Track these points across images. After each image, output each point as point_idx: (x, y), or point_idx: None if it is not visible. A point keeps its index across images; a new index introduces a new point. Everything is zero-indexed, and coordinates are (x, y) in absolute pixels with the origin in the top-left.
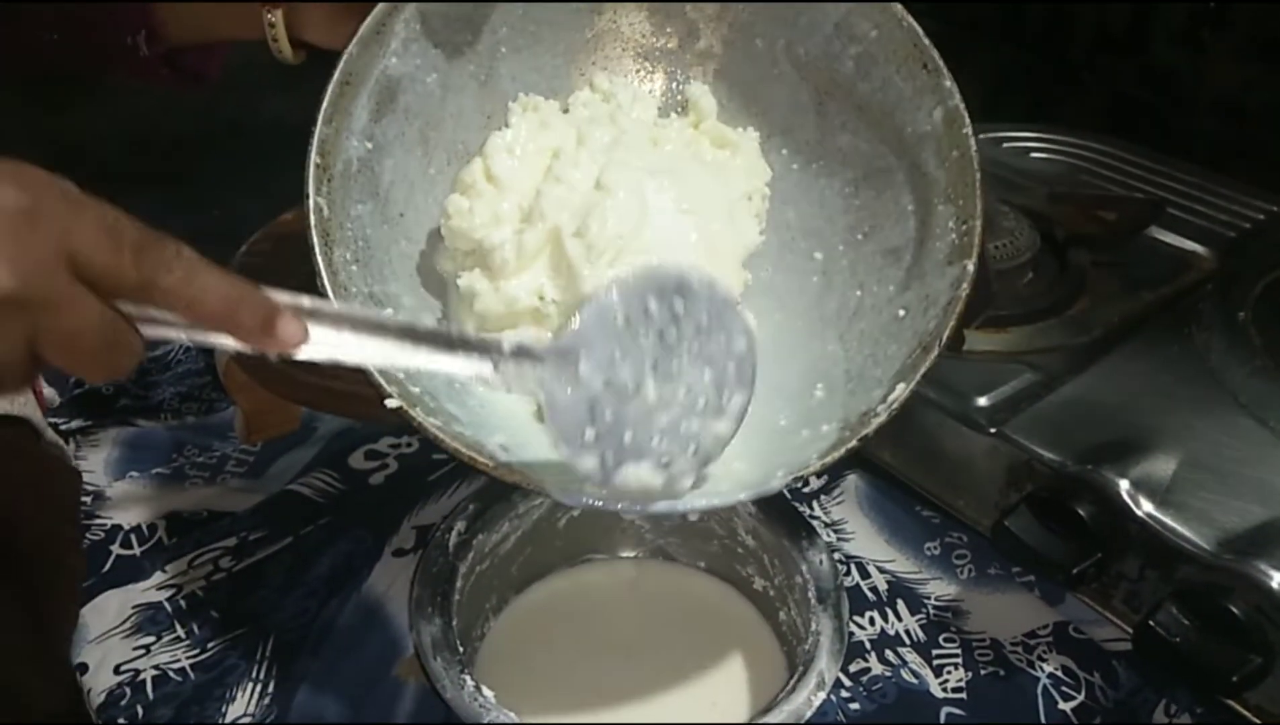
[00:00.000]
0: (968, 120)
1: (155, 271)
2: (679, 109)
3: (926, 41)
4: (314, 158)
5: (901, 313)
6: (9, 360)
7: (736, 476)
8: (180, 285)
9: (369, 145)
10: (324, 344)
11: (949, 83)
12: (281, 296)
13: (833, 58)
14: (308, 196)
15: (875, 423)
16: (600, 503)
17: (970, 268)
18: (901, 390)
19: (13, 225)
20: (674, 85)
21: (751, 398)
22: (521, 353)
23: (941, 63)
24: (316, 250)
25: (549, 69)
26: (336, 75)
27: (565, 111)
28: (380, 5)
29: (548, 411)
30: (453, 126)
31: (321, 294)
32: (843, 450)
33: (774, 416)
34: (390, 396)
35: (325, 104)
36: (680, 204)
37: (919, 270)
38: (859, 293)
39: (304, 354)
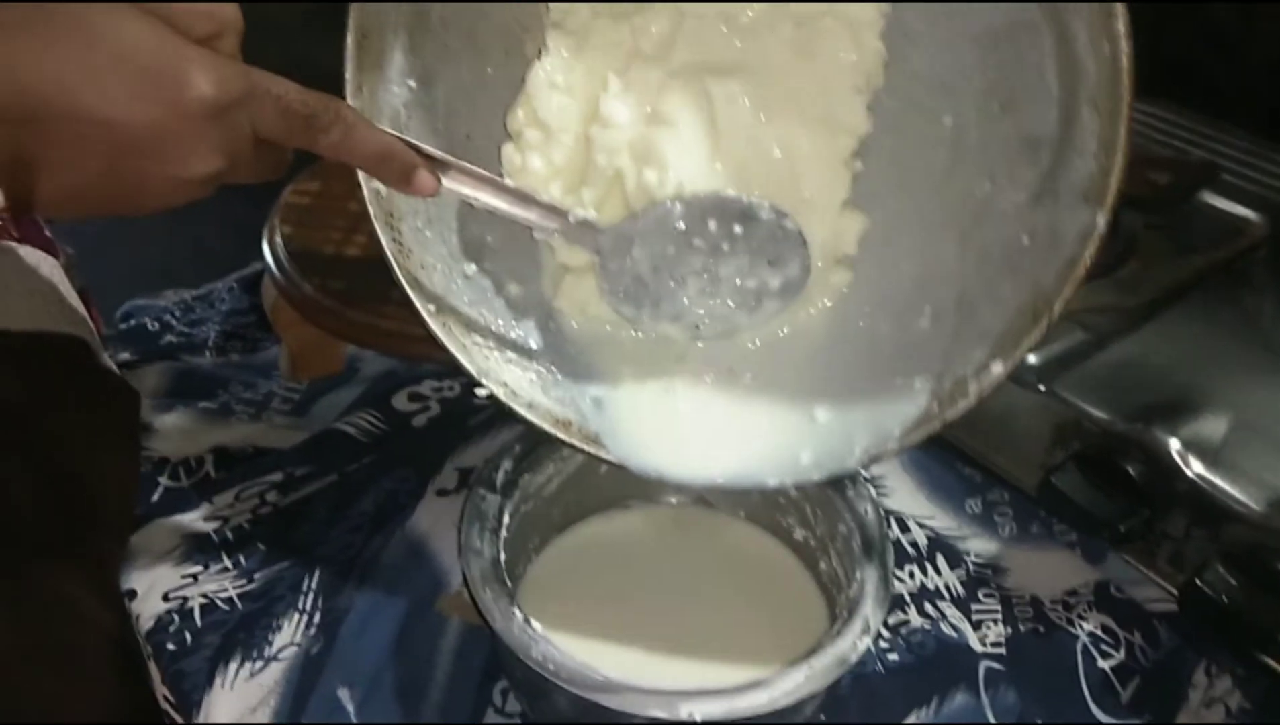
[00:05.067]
0: (1123, 16)
1: (318, 136)
2: None
3: None
4: None
5: (1026, 240)
6: (204, 197)
7: (818, 431)
8: (338, 143)
9: (412, 84)
10: (452, 189)
11: None
12: (424, 151)
13: None
14: (361, 187)
15: (962, 405)
16: (681, 479)
17: (1101, 223)
18: (998, 370)
19: (216, 118)
20: None
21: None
22: (585, 223)
23: None
24: (383, 237)
25: None
26: (350, 37)
27: None
28: None
29: (598, 269)
30: (500, 10)
31: (395, 283)
32: (924, 432)
33: (874, 328)
34: (481, 386)
35: (349, 73)
36: (759, 111)
37: (1053, 186)
38: (989, 185)
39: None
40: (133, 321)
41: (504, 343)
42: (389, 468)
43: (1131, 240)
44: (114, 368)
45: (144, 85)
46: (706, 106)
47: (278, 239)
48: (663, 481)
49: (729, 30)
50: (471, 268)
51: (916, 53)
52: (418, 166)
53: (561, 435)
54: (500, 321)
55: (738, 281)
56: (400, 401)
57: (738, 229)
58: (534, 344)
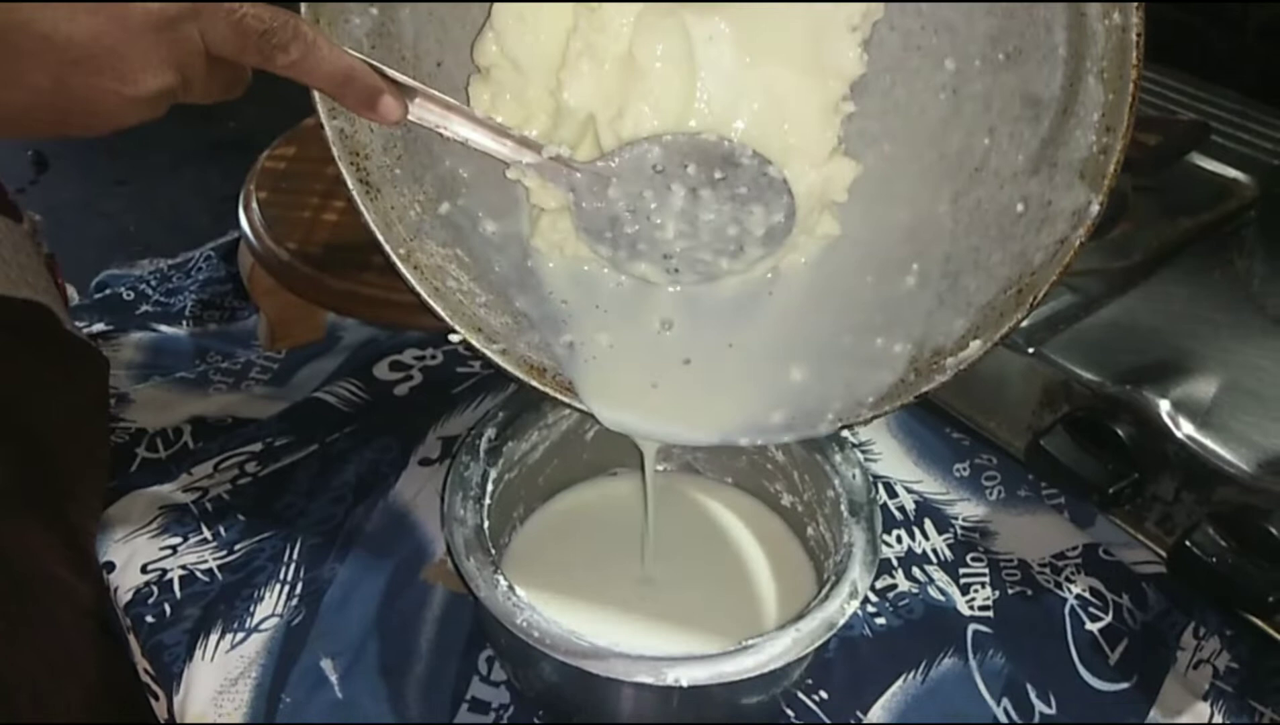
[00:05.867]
0: None
1: (274, 54)
2: None
3: None
4: None
5: (1020, 208)
6: (157, 115)
7: (793, 391)
8: (296, 62)
9: (374, 11)
10: (420, 116)
11: None
12: (389, 75)
13: None
14: (323, 126)
15: (938, 379)
16: (649, 431)
17: (1094, 206)
18: (976, 348)
19: (164, 31)
20: None
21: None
22: (559, 159)
23: None
24: (348, 177)
25: None
26: None
27: None
28: None
29: (574, 207)
30: None
31: (365, 229)
32: (896, 403)
33: (860, 282)
34: (455, 332)
35: (304, 6)
36: (743, 51)
37: (1052, 155)
38: (987, 141)
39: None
40: (107, 291)
41: (478, 286)
42: (370, 437)
43: (1121, 202)
44: (81, 335)
45: None
46: (685, 46)
47: (254, 205)
48: (631, 433)
49: None
50: (445, 206)
51: None
52: (383, 91)
53: (535, 383)
54: (475, 264)
55: (718, 228)
56: (382, 370)
57: (718, 174)
58: (510, 287)
